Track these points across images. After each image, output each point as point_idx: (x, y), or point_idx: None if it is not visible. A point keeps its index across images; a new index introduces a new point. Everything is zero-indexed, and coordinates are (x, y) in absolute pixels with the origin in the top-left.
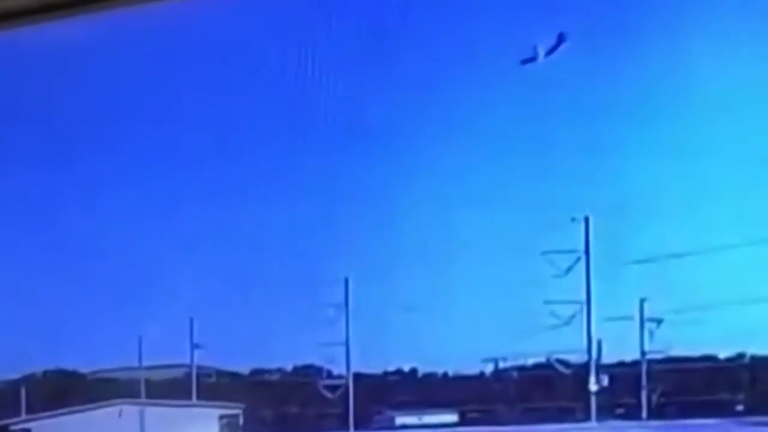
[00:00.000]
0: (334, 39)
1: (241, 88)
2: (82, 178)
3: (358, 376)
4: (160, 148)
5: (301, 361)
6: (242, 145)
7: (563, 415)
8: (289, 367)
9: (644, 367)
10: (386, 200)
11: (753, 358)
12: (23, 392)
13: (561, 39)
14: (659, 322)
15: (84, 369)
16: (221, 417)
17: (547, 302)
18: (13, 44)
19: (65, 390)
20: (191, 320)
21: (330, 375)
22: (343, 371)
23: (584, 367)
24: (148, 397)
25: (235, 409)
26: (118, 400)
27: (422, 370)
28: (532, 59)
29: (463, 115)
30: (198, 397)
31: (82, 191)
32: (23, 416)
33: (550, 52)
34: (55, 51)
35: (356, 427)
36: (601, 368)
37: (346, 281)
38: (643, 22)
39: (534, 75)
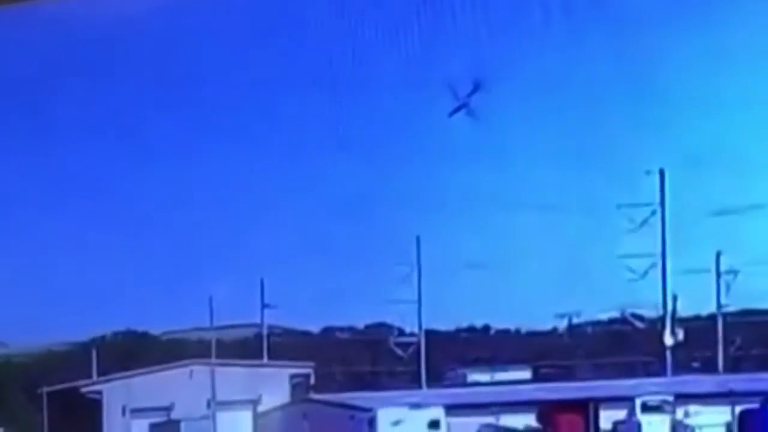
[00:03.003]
0: None
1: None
2: (153, 145)
3: (429, 334)
4: (231, 114)
5: (372, 319)
6: (313, 107)
7: (638, 370)
8: (360, 326)
9: (720, 321)
10: (456, 159)
11: None
12: (94, 354)
13: (476, 87)
14: (735, 274)
15: (155, 330)
16: (292, 376)
17: (622, 256)
18: (64, 18)
19: (136, 351)
20: (261, 280)
21: (402, 333)
22: (415, 329)
23: (659, 322)
24: (218, 357)
25: (306, 368)
26: (188, 361)
27: (495, 326)
28: (458, 109)
29: (532, 71)
30: (268, 357)
31: (154, 157)
32: (94, 378)
33: (470, 95)
34: (115, 23)
35: (428, 384)
36: (676, 322)
37: (418, 239)
38: None
39: (615, 30)
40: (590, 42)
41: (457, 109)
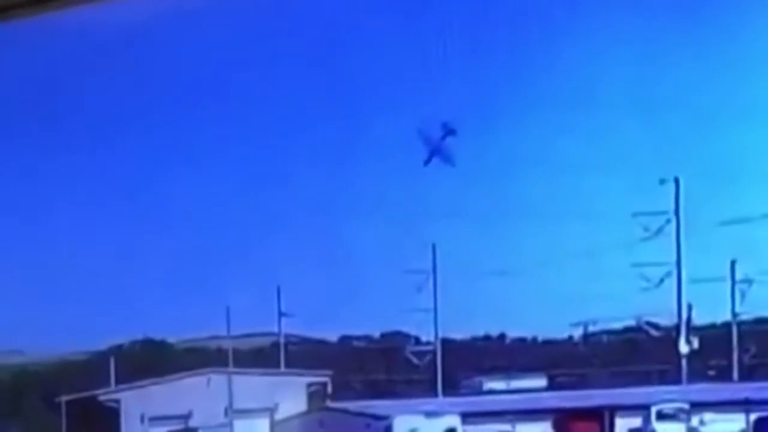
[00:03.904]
0: None
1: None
2: (170, 153)
3: (445, 342)
4: (249, 121)
5: (388, 328)
6: (329, 113)
7: (653, 378)
8: (376, 334)
9: (735, 329)
10: (472, 166)
11: None
12: (112, 363)
13: (446, 130)
14: (750, 282)
15: (172, 339)
16: (309, 385)
17: (637, 265)
18: (79, 27)
19: (154, 360)
20: (278, 289)
21: (418, 341)
22: (431, 337)
23: (674, 330)
24: (235, 365)
25: (323, 377)
26: (206, 369)
27: (510, 335)
28: (429, 160)
29: (548, 80)
30: (285, 366)
31: (171, 165)
32: (113, 386)
33: (442, 138)
34: (124, 31)
35: (444, 392)
36: (691, 330)
37: (434, 247)
38: None
39: (631, 39)
40: (607, 51)
41: (430, 157)
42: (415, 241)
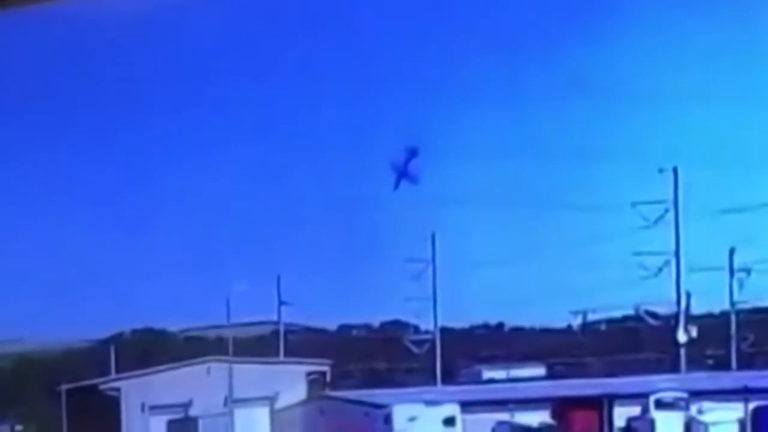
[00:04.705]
0: None
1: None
2: (171, 142)
3: (444, 331)
4: (249, 111)
5: (387, 317)
6: (331, 105)
7: (652, 367)
8: (375, 323)
9: (733, 318)
10: (470, 156)
11: None
12: (112, 351)
13: (413, 153)
14: (749, 272)
15: (172, 327)
16: (308, 373)
17: (636, 254)
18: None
19: (154, 348)
20: (278, 278)
21: (417, 330)
22: (430, 326)
23: (673, 319)
24: (235, 354)
25: (323, 366)
26: (206, 358)
27: (509, 324)
28: (397, 184)
29: (547, 71)
30: (285, 354)
31: (172, 154)
32: (113, 375)
33: (406, 162)
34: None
35: (443, 381)
36: (690, 319)
37: (433, 237)
38: None
39: (631, 27)
40: (606, 40)
41: (398, 181)
42: (414, 231)
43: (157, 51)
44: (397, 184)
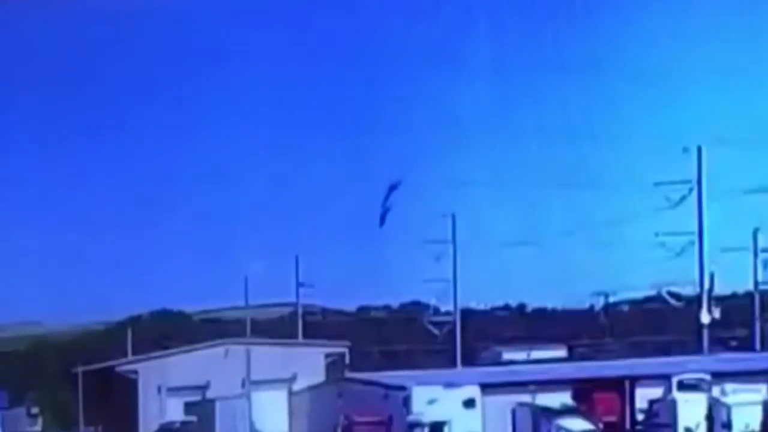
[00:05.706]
0: None
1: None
2: (188, 125)
3: (465, 312)
4: (267, 95)
5: (407, 298)
6: (348, 88)
7: (674, 348)
8: (395, 305)
9: (757, 299)
10: (491, 136)
11: None
12: (129, 333)
13: (394, 186)
14: None
15: (190, 309)
16: (327, 355)
17: (659, 234)
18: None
19: (171, 331)
20: (297, 259)
21: (437, 311)
22: (450, 307)
23: (696, 300)
24: (253, 336)
25: (341, 347)
26: (224, 340)
27: (530, 305)
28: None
29: (570, 53)
30: (304, 336)
31: (189, 137)
32: (130, 357)
33: (387, 196)
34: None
35: (463, 363)
36: (713, 300)
37: (453, 218)
38: None
39: (657, 5)
40: (632, 20)
41: (383, 217)
42: (434, 212)
43: (180, 30)
44: (382, 221)
